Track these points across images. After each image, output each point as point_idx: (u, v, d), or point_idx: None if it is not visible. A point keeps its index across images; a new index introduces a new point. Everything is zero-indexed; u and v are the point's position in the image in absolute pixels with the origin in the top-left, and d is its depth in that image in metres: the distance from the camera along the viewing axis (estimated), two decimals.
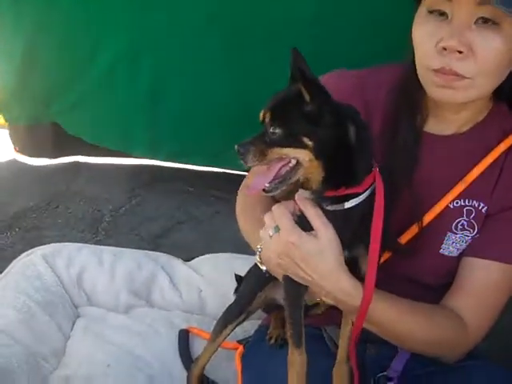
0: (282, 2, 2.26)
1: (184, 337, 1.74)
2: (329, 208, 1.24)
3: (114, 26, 2.56)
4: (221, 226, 2.93)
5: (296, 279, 1.31)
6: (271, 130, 1.18)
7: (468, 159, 1.41)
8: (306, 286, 1.33)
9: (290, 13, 2.28)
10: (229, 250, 2.50)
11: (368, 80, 1.49)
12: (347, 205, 1.23)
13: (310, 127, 1.17)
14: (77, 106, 2.86)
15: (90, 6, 2.55)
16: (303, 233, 1.25)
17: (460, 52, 1.24)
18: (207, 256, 2.14)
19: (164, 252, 2.23)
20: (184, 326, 1.79)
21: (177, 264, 2.06)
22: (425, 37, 1.29)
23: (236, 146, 1.18)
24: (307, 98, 1.16)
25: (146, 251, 2.12)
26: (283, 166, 1.20)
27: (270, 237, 1.28)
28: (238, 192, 1.67)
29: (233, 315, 1.55)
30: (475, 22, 1.23)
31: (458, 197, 1.41)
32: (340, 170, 1.21)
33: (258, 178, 1.22)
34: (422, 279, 1.46)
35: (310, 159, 1.18)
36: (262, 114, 1.21)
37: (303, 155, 1.18)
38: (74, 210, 3.03)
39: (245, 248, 2.72)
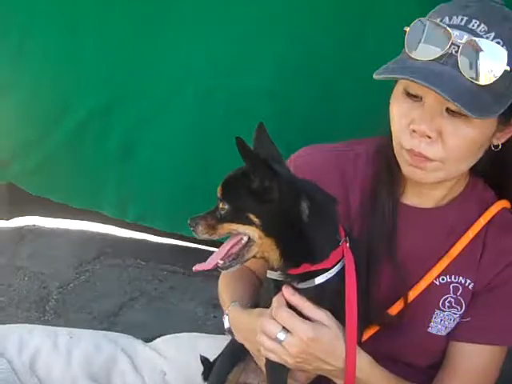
0: (242, 70, 2.26)
1: None
2: (299, 286, 1.22)
3: (83, 86, 2.51)
4: (176, 301, 2.83)
5: (317, 372, 1.29)
6: (221, 206, 1.20)
7: (449, 233, 1.41)
8: (288, 369, 1.29)
9: (250, 82, 2.28)
10: (185, 326, 2.42)
11: (344, 153, 1.49)
12: (317, 280, 1.21)
13: (256, 205, 1.18)
14: (41, 167, 2.74)
15: (58, 65, 2.48)
16: (316, 325, 1.22)
17: (429, 137, 1.24)
18: (169, 336, 2.03)
19: (118, 331, 2.11)
20: None
21: (138, 345, 1.93)
22: (398, 115, 1.29)
23: (188, 220, 1.23)
24: (252, 175, 1.17)
25: (104, 332, 2.00)
26: (236, 243, 1.21)
27: (280, 342, 1.24)
28: None
29: None
30: (446, 110, 1.23)
31: (444, 273, 1.39)
32: (296, 247, 1.19)
33: (214, 254, 1.24)
34: (408, 359, 1.42)
35: (260, 236, 1.18)
36: (218, 189, 1.23)
37: (252, 232, 1.18)
38: (17, 287, 2.85)
39: (202, 325, 2.68)
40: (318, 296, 1.22)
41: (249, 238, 1.20)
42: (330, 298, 1.23)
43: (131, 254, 3.12)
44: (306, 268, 1.21)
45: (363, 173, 1.44)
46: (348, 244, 1.25)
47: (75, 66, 2.47)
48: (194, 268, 1.24)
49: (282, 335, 1.23)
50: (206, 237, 1.22)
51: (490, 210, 1.40)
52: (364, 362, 1.27)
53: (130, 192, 2.68)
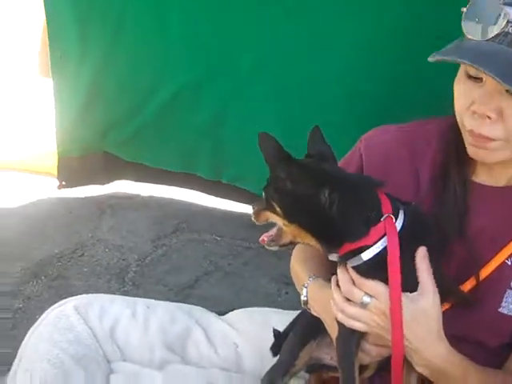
0: (317, 55, 2.38)
1: None
2: (349, 263, 1.25)
3: (175, 61, 2.68)
4: (249, 277, 2.89)
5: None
6: (263, 194, 1.30)
7: None
8: (359, 342, 1.32)
9: (322, 65, 2.38)
10: (257, 302, 2.48)
11: (414, 133, 1.50)
12: (364, 256, 1.23)
13: (275, 194, 1.24)
14: (136, 136, 2.96)
15: (153, 42, 2.67)
16: (406, 293, 1.23)
17: (489, 117, 1.23)
18: (241, 310, 2.08)
19: (193, 304, 2.18)
20: None
21: (211, 318, 1.99)
22: (460, 96, 1.29)
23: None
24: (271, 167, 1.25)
25: (179, 304, 2.06)
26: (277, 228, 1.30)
27: (366, 305, 1.26)
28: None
29: (277, 378, 1.49)
30: (507, 90, 1.20)
31: None
32: (327, 231, 1.23)
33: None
34: (478, 339, 1.41)
35: (285, 223, 1.24)
36: None
37: (279, 220, 1.24)
38: (99, 258, 2.99)
39: (274, 301, 2.72)
40: (369, 270, 1.24)
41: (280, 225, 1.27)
42: (381, 272, 1.23)
43: (207, 229, 3.20)
44: (348, 247, 1.24)
45: (434, 151, 1.44)
46: (398, 219, 1.25)
47: (167, 42, 2.65)
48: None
49: (367, 299, 1.25)
50: (255, 222, 1.33)
51: None
52: (442, 349, 1.27)
53: (224, 156, 2.83)
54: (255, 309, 2.09)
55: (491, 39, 1.20)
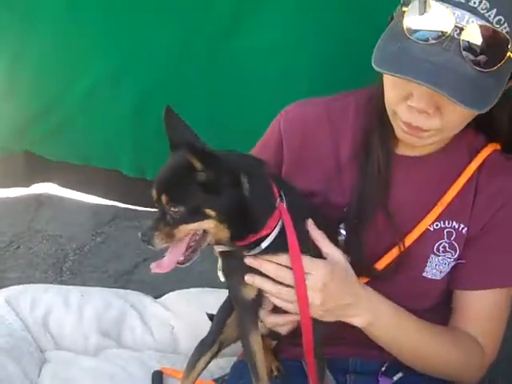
0: (247, 32, 2.25)
1: (158, 378, 1.66)
2: (249, 254, 1.24)
3: (93, 51, 2.51)
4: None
5: (338, 314, 1.31)
6: (173, 210, 1.15)
7: (441, 180, 1.41)
8: (257, 315, 1.33)
9: (255, 41, 2.30)
10: (198, 285, 2.45)
11: (334, 105, 1.50)
12: (264, 245, 1.23)
13: (211, 197, 1.16)
14: (57, 131, 2.79)
15: (67, 33, 2.49)
16: (327, 261, 1.27)
17: (427, 113, 1.23)
18: (177, 292, 2.08)
19: (133, 289, 2.17)
20: (157, 367, 1.71)
21: (147, 301, 1.99)
22: (394, 86, 1.27)
23: (139, 235, 1.19)
24: (199, 167, 1.14)
25: (115, 289, 2.05)
26: (191, 237, 1.20)
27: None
28: None
29: (205, 346, 1.50)
30: None
31: (437, 219, 1.40)
32: (243, 223, 1.20)
33: (168, 254, 1.22)
34: (404, 303, 1.42)
35: (216, 225, 1.18)
36: (155, 194, 1.18)
37: (208, 224, 1.17)
38: (36, 249, 2.94)
39: (212, 282, 2.71)
40: (267, 255, 1.24)
41: (204, 230, 1.19)
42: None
43: (146, 215, 3.15)
44: (250, 239, 1.22)
45: (354, 123, 1.45)
46: (285, 202, 1.25)
47: (83, 31, 2.47)
48: (152, 270, 1.24)
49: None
50: (165, 246, 1.19)
51: (480, 153, 1.41)
52: (370, 294, 1.32)
53: (147, 151, 2.65)
54: (191, 290, 2.09)
55: (437, 43, 1.17)
